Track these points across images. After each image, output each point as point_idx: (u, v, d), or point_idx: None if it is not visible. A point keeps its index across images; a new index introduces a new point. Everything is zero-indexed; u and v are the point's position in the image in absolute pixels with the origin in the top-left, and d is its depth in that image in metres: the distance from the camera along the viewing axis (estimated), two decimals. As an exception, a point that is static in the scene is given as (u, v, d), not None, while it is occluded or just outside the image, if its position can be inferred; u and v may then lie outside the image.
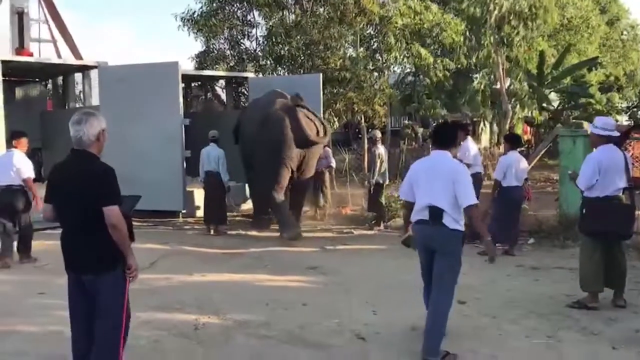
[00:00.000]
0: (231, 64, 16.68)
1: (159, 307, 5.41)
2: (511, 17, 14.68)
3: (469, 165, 8.64)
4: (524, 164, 8.13)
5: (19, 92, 14.68)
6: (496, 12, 14.34)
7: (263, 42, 16.66)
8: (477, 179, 8.75)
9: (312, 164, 10.19)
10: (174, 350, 4.62)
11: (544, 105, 19.15)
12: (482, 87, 18.64)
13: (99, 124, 3.50)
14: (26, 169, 7.65)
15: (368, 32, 17.17)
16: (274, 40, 15.83)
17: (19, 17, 12.66)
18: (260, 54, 16.74)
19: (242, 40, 17.16)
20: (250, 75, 14.68)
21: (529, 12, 14.60)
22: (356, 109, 15.31)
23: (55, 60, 12.71)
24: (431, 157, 4.58)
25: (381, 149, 10.30)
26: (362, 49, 16.52)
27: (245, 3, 16.44)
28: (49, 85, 15.32)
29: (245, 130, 10.22)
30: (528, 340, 4.74)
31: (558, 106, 20.86)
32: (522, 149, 12.36)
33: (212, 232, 9.97)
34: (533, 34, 15.71)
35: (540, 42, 17.49)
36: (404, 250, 8.73)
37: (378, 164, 10.15)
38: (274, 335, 4.93)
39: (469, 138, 8.96)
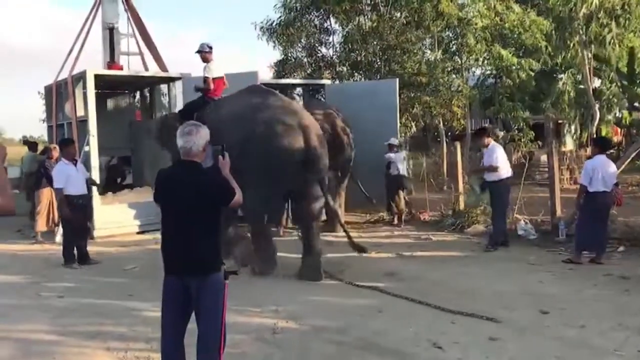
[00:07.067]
0: (308, 71, 16.88)
1: (240, 310, 5.55)
2: (600, 14, 13.99)
3: (496, 169, 8.54)
4: (612, 168, 7.65)
5: (110, 103, 15.46)
6: (584, 9, 13.69)
7: (340, 49, 16.76)
8: (504, 184, 8.71)
9: None
10: (253, 353, 4.72)
11: (636, 104, 18.11)
12: (567, 87, 17.87)
13: (206, 135, 3.66)
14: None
15: (446, 34, 16.87)
16: (350, 46, 15.87)
17: (110, 33, 13.31)
18: (336, 60, 16.83)
19: (319, 48, 17.33)
20: (327, 82, 14.78)
21: (620, 8, 13.86)
22: (434, 112, 15.07)
23: (142, 72, 13.26)
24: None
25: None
26: (440, 51, 16.24)
27: (322, 11, 16.61)
28: (137, 96, 16.06)
29: None
30: (617, 355, 4.50)
31: (651, 105, 19.68)
32: (612, 151, 11.75)
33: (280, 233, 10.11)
34: (624, 30, 14.90)
35: (630, 39, 16.56)
36: (483, 258, 8.50)
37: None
38: (349, 342, 4.94)
39: (494, 142, 9.22)
